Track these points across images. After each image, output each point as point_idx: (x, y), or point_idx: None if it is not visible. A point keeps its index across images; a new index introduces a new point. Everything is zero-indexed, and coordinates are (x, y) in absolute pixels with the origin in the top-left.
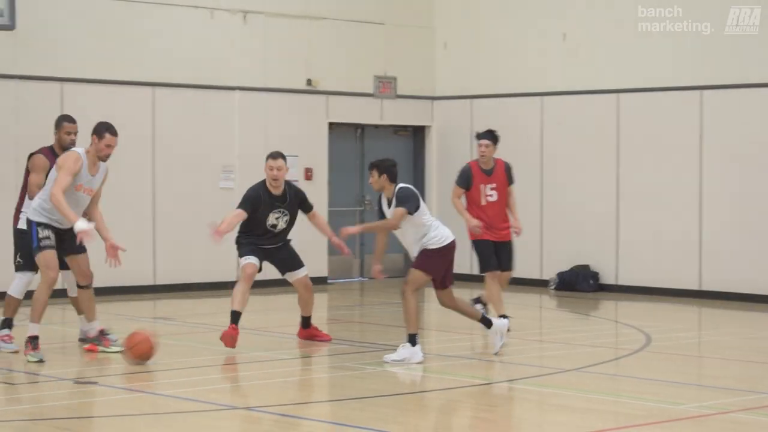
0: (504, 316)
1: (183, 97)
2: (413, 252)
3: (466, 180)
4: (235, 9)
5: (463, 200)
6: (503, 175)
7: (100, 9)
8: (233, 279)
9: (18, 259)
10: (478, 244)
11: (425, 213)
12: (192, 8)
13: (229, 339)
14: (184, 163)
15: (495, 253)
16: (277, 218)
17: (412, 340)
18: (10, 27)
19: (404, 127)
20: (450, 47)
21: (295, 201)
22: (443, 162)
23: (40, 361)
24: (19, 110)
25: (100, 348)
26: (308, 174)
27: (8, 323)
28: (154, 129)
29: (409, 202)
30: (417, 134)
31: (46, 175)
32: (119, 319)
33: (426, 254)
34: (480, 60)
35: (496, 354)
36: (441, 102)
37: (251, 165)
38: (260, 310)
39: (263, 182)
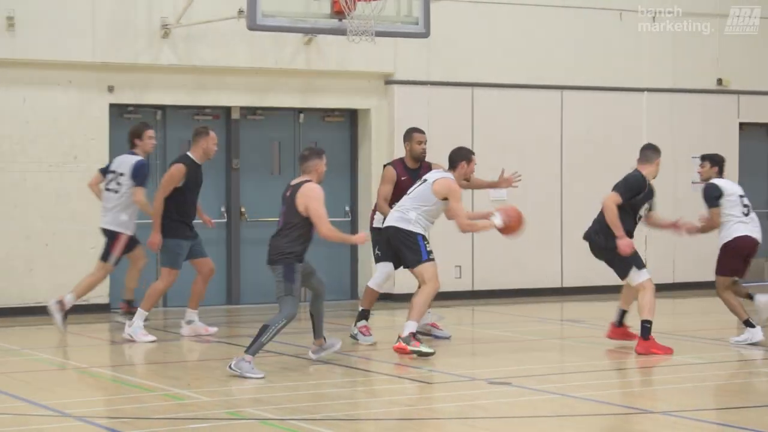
0: None
1: (591, 99)
2: None
3: None
4: (644, 9)
5: None
6: None
7: (507, 14)
8: None
9: (377, 251)
10: None
11: (725, 209)
12: (601, 10)
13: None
14: (592, 165)
15: None
16: (646, 208)
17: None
18: (425, 35)
19: None
20: None
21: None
22: None
23: (429, 354)
24: (431, 116)
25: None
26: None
27: (365, 315)
28: (562, 131)
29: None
30: None
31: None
32: (527, 321)
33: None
34: None
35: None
36: None
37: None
38: (669, 313)
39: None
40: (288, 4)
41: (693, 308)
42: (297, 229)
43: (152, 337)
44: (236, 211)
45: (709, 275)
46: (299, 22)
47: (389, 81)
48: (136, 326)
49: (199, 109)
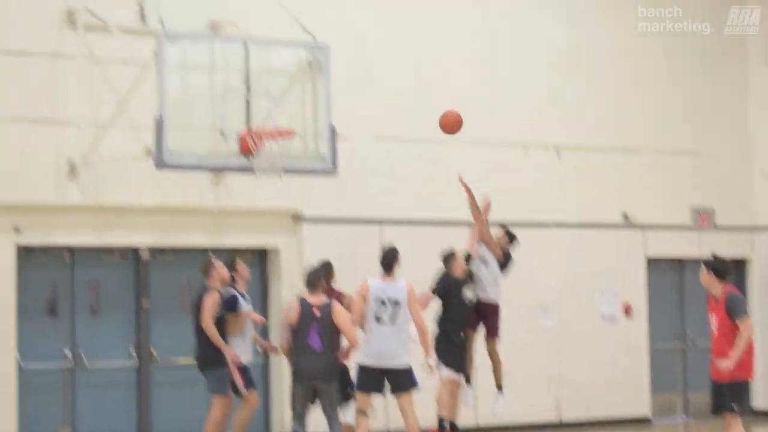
0: None
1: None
2: None
3: None
4: (549, 144)
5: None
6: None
7: (413, 151)
8: None
9: None
10: None
11: None
12: (505, 146)
13: None
14: (505, 299)
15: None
16: None
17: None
18: (333, 172)
19: None
20: None
21: None
22: (765, 295)
23: None
24: (341, 253)
25: None
26: (627, 310)
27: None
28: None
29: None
30: (738, 267)
31: None
32: None
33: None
34: None
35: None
36: (763, 233)
37: (569, 302)
38: None
39: None
40: (195, 142)
41: None
42: None
43: None
44: (146, 353)
45: None
46: (207, 160)
47: (298, 219)
48: None
49: (108, 250)
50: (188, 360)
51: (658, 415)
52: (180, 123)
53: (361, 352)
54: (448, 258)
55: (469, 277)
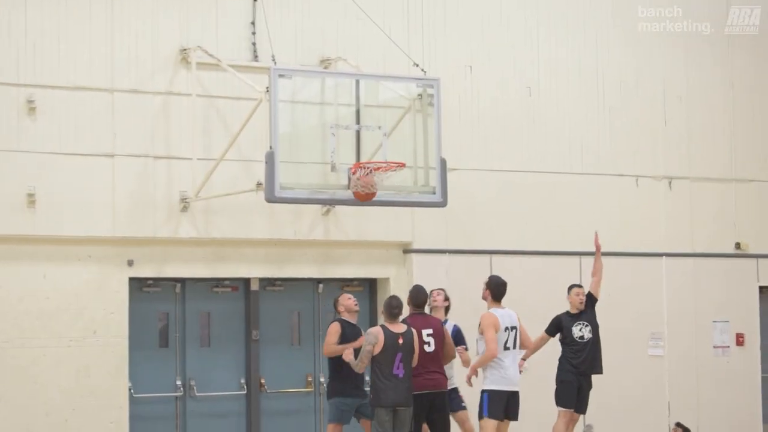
0: None
1: (609, 264)
2: None
3: None
4: (660, 175)
5: None
6: None
7: (524, 181)
8: None
9: None
10: None
11: None
12: (616, 177)
13: None
14: (613, 331)
15: None
16: None
17: None
18: (443, 204)
19: None
20: None
21: None
22: None
23: None
24: (450, 284)
25: None
26: (740, 339)
27: None
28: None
29: None
30: None
31: None
32: None
33: None
34: None
35: None
36: None
37: (680, 332)
38: None
39: None
40: (306, 176)
41: None
42: None
43: None
44: (256, 383)
45: None
46: (317, 193)
47: (407, 250)
48: None
49: (219, 281)
50: (297, 390)
51: None
52: (290, 157)
53: (495, 378)
54: (570, 289)
55: (584, 315)
